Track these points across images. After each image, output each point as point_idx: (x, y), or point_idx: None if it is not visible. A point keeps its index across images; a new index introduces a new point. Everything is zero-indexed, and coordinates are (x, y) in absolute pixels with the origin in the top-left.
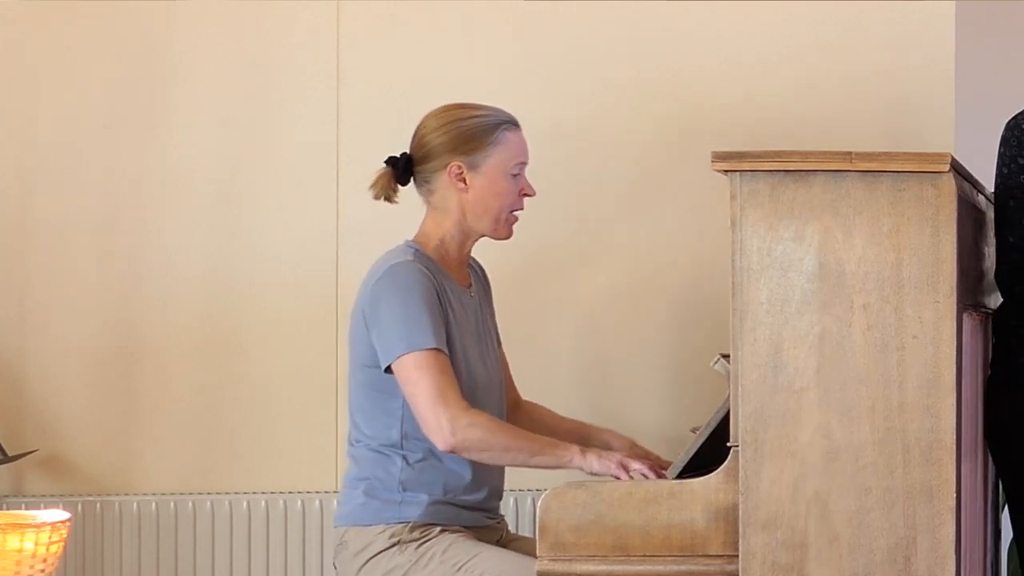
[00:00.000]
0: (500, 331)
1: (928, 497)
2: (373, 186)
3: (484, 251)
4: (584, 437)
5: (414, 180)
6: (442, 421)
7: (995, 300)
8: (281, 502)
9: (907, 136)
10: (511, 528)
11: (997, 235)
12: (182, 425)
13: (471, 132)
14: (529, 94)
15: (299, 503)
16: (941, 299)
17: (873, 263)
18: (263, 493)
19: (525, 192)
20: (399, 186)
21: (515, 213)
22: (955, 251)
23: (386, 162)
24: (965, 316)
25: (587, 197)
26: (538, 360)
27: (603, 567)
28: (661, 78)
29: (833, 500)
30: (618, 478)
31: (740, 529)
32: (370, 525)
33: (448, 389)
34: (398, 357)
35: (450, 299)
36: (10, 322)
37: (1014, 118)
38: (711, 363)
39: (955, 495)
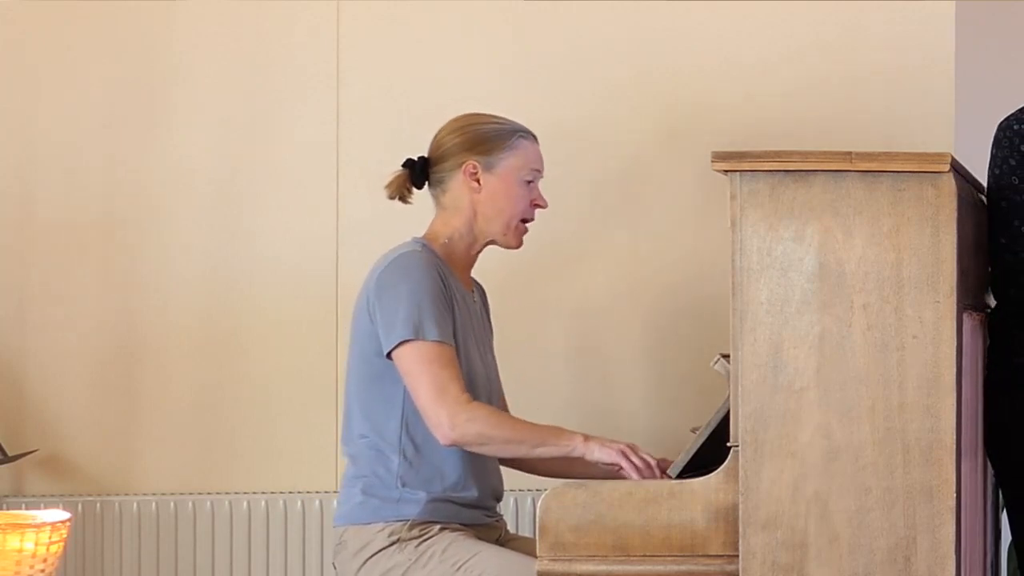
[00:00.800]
0: (498, 331)
1: (928, 497)
2: (388, 186)
3: (484, 254)
4: (565, 467)
5: (428, 182)
6: (442, 416)
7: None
8: (281, 502)
9: (907, 136)
10: (511, 528)
11: (990, 237)
12: (182, 425)
13: (488, 135)
14: (529, 94)
15: (299, 503)
16: (941, 299)
17: (873, 263)
18: (263, 493)
19: (536, 203)
20: (414, 188)
21: (525, 223)
22: (955, 251)
23: (404, 164)
24: (965, 316)
25: (587, 197)
26: (537, 360)
27: (603, 567)
28: (661, 78)
29: (833, 500)
30: (619, 466)
31: (740, 529)
32: (369, 524)
33: (450, 383)
34: (400, 343)
35: (455, 294)
36: (10, 322)
37: (1006, 119)
38: (711, 363)
39: (955, 495)
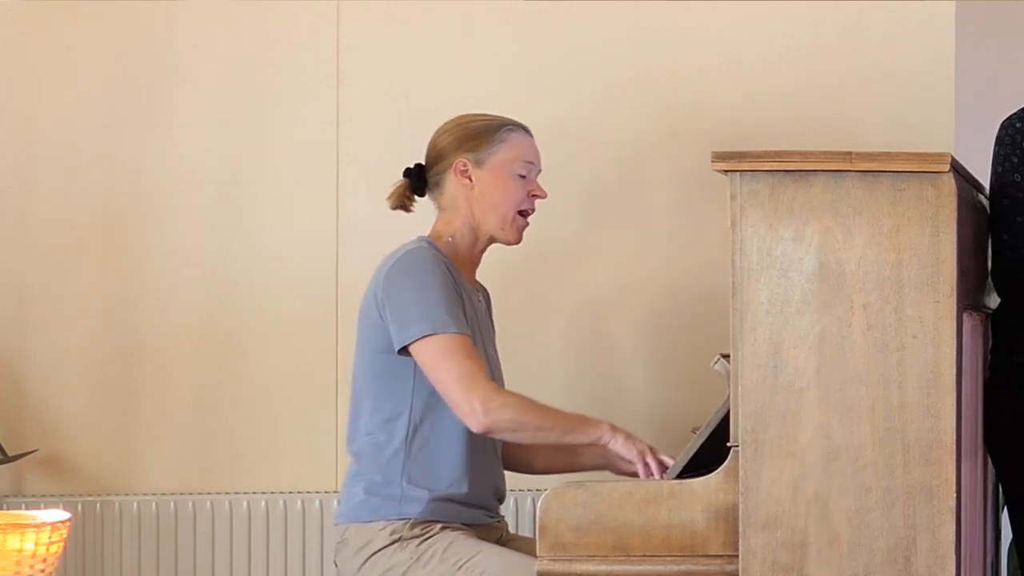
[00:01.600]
0: (499, 330)
1: (928, 497)
2: (390, 197)
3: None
4: (572, 456)
5: (427, 187)
6: (475, 403)
7: (995, 300)
8: (281, 502)
9: (907, 136)
10: (512, 528)
11: (992, 234)
12: (182, 425)
13: (476, 130)
14: (529, 94)
15: (299, 503)
16: (941, 299)
17: (873, 263)
18: (263, 493)
19: (534, 193)
20: (415, 196)
21: (524, 216)
22: (955, 251)
23: (404, 173)
24: (965, 316)
25: (587, 197)
26: (537, 360)
27: (603, 567)
28: (661, 78)
29: (833, 500)
30: (633, 465)
31: (740, 529)
32: (370, 522)
33: (477, 371)
34: (419, 338)
35: (461, 291)
36: (10, 322)
37: (1009, 118)
38: (711, 363)
39: (955, 495)
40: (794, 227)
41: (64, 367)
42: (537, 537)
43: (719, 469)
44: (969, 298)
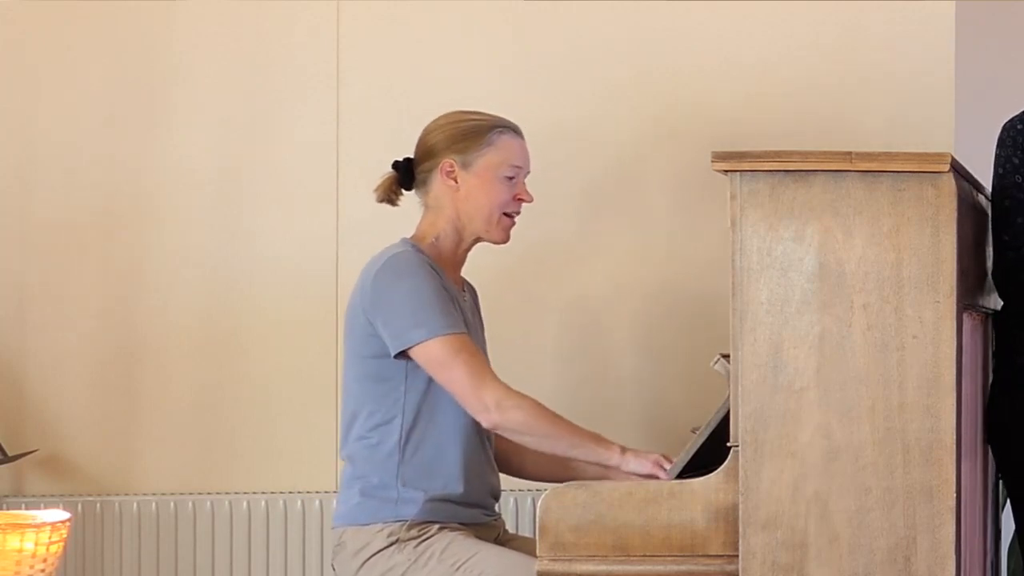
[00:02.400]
0: (496, 330)
1: (928, 497)
2: (377, 189)
3: (482, 250)
4: (565, 465)
5: (415, 183)
6: (487, 400)
7: (995, 300)
8: (281, 502)
9: (907, 136)
10: (511, 528)
11: (993, 234)
12: (182, 425)
13: (466, 131)
14: (529, 94)
15: (299, 503)
16: (941, 299)
17: (873, 263)
18: (263, 493)
19: (520, 197)
20: (402, 190)
21: (510, 216)
22: (955, 251)
23: (392, 166)
24: (965, 316)
25: (586, 196)
26: (535, 360)
27: (603, 567)
28: (661, 78)
29: (833, 500)
30: (657, 477)
31: (740, 529)
32: (368, 524)
33: (484, 369)
34: (421, 342)
35: (448, 291)
36: (10, 322)
37: (1010, 120)
38: (711, 363)
39: (955, 495)
40: (794, 227)
41: (64, 367)
42: (537, 537)
43: (719, 469)
44: (969, 298)
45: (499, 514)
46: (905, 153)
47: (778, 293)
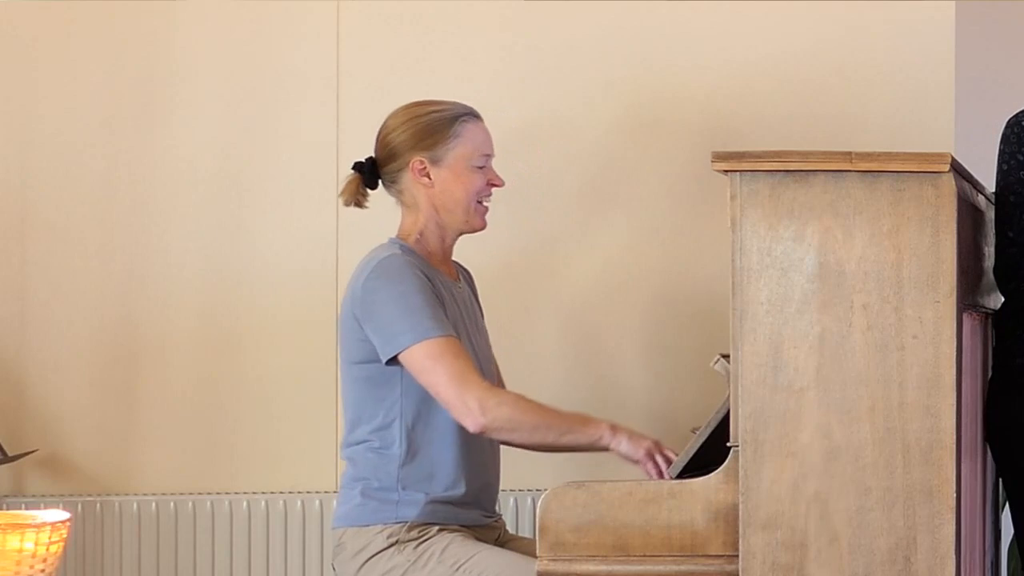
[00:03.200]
0: (493, 330)
1: (928, 497)
2: (342, 193)
3: (477, 249)
4: None
5: (382, 182)
6: (470, 403)
7: (995, 300)
8: (281, 502)
9: (907, 136)
10: (511, 528)
11: (997, 231)
12: (182, 425)
13: (430, 127)
14: (528, 93)
15: (299, 503)
16: (941, 299)
17: (873, 263)
18: (263, 493)
19: (493, 182)
20: (368, 190)
21: (484, 203)
22: (955, 251)
23: (353, 167)
24: (965, 316)
25: (585, 195)
26: (534, 361)
27: (603, 567)
28: (659, 78)
29: (833, 500)
30: (639, 464)
31: (740, 529)
32: (368, 525)
33: (468, 372)
34: (406, 348)
35: (441, 289)
36: (10, 322)
37: (1015, 116)
38: (711, 363)
39: (955, 495)
40: (794, 227)
41: (64, 367)
42: (537, 537)
43: (719, 469)
44: (969, 298)
45: (499, 515)
46: (905, 153)
47: (778, 293)
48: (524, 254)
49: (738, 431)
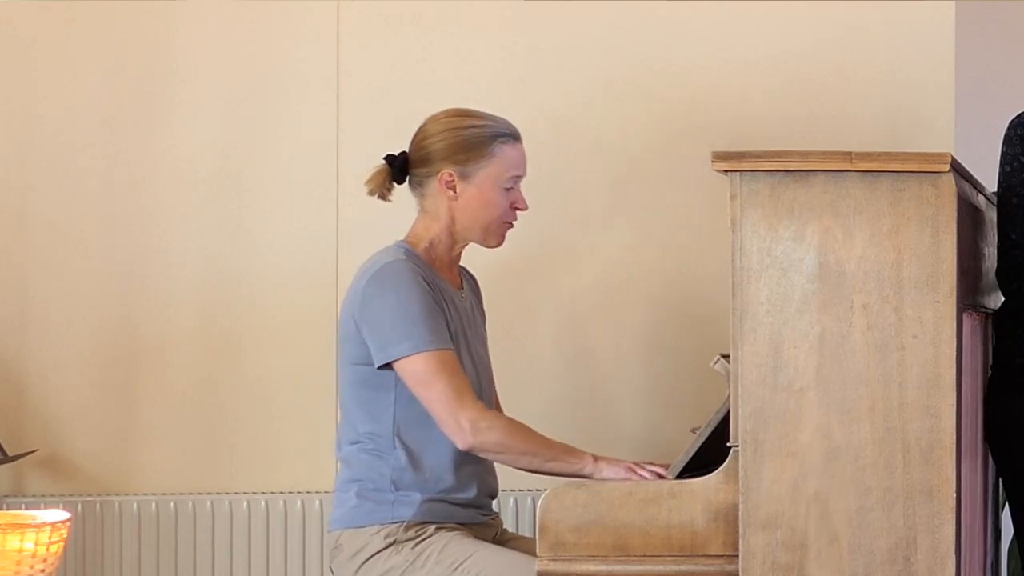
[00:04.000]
0: (493, 331)
1: (928, 497)
2: (369, 182)
3: (476, 250)
4: None
5: (409, 181)
6: (462, 422)
7: (995, 300)
8: (281, 502)
9: (907, 136)
10: (511, 528)
11: (999, 232)
12: (182, 425)
13: (467, 142)
14: (528, 94)
15: (299, 503)
16: (941, 299)
17: (873, 263)
18: (263, 493)
19: (517, 206)
20: (395, 184)
21: (508, 223)
22: (955, 251)
23: (384, 159)
24: (965, 316)
25: (585, 195)
26: (534, 361)
27: (603, 567)
28: (659, 78)
29: (833, 500)
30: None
31: (740, 529)
32: (364, 526)
33: (464, 390)
34: (402, 357)
35: (443, 298)
36: (10, 322)
37: (1017, 117)
38: (711, 363)
39: (955, 495)
40: (794, 227)
41: (64, 367)
42: (537, 537)
43: (719, 469)
44: (969, 298)
45: (496, 513)
46: (905, 153)
47: (778, 293)
48: (523, 254)
49: (738, 431)
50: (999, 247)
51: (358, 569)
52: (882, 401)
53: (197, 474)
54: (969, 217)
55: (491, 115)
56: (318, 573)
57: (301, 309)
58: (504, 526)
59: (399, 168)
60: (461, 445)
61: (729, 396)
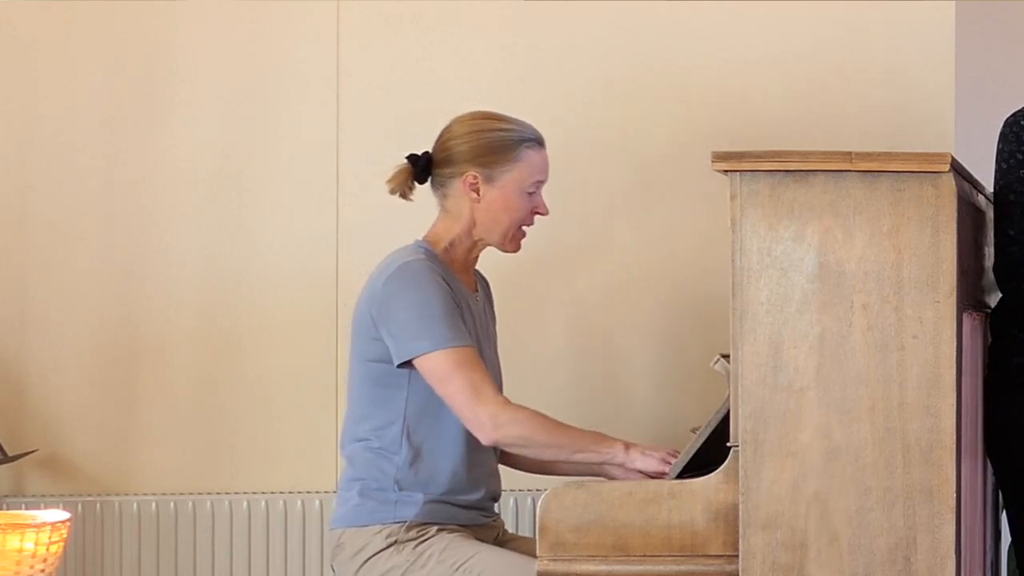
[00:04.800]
0: (500, 330)
1: (928, 497)
2: (390, 180)
3: (487, 251)
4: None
5: (431, 181)
6: (483, 417)
7: (995, 300)
8: (281, 502)
9: (907, 136)
10: (512, 528)
11: (997, 230)
12: (182, 425)
13: (493, 145)
14: (530, 94)
15: (299, 503)
16: (941, 299)
17: (873, 263)
18: (263, 493)
19: (538, 211)
20: (416, 184)
21: (524, 228)
22: (955, 251)
23: (407, 158)
24: (965, 316)
25: (586, 196)
26: (537, 360)
27: (603, 567)
28: (660, 78)
29: (833, 500)
30: (662, 476)
31: (740, 529)
32: (366, 526)
33: (484, 385)
34: (424, 354)
35: (459, 299)
36: (10, 322)
37: (1013, 115)
38: (711, 363)
39: (955, 495)
40: (794, 227)
41: (64, 367)
42: (537, 537)
43: (719, 469)
44: (969, 298)
45: (498, 514)
46: (905, 153)
47: (778, 293)
48: (526, 255)
49: (738, 431)
50: (997, 244)
51: (359, 568)
52: (882, 401)
53: (197, 474)
54: (969, 217)
55: (517, 119)
56: (318, 573)
57: (301, 309)
58: (504, 527)
59: (422, 168)
60: (484, 440)
61: (729, 396)
